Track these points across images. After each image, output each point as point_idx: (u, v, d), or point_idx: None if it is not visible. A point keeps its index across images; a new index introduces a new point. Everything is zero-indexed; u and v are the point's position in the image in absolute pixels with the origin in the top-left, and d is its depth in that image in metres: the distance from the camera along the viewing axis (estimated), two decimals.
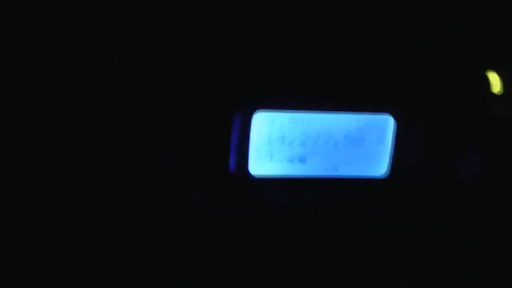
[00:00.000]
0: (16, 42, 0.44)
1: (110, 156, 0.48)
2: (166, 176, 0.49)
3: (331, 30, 0.50)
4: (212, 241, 0.51)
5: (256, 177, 0.52)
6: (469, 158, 0.56)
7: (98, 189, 0.48)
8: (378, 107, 0.52)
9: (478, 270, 0.56)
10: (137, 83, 0.47)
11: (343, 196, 0.55)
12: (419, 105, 0.53)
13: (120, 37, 0.46)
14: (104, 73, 0.47)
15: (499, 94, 0.54)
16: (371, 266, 0.55)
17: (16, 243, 0.47)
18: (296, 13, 0.49)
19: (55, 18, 0.45)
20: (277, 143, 0.52)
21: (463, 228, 0.56)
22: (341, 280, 0.55)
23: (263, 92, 0.49)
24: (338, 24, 0.50)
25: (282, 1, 0.49)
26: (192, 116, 0.48)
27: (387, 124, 0.53)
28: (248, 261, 0.52)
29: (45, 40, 0.45)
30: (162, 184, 0.49)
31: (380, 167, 0.54)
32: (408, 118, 0.53)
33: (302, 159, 0.53)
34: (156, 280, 0.49)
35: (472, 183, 0.56)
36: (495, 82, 0.54)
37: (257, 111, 0.49)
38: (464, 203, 0.56)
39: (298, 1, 0.49)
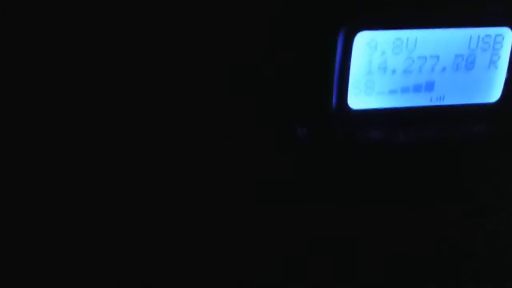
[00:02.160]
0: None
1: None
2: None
3: None
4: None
5: (357, 111, 0.47)
6: None
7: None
8: (496, 18, 0.45)
9: None
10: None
11: (450, 127, 0.49)
12: None
13: None
14: None
15: None
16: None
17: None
18: None
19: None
20: (379, 72, 0.46)
21: None
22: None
23: (366, 10, 0.43)
24: None
25: None
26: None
27: (505, 39, 0.46)
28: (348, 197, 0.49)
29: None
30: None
31: (493, 92, 0.48)
32: None
33: (405, 89, 0.47)
34: None
35: None
36: None
37: (360, 31, 0.43)
38: None
39: None
